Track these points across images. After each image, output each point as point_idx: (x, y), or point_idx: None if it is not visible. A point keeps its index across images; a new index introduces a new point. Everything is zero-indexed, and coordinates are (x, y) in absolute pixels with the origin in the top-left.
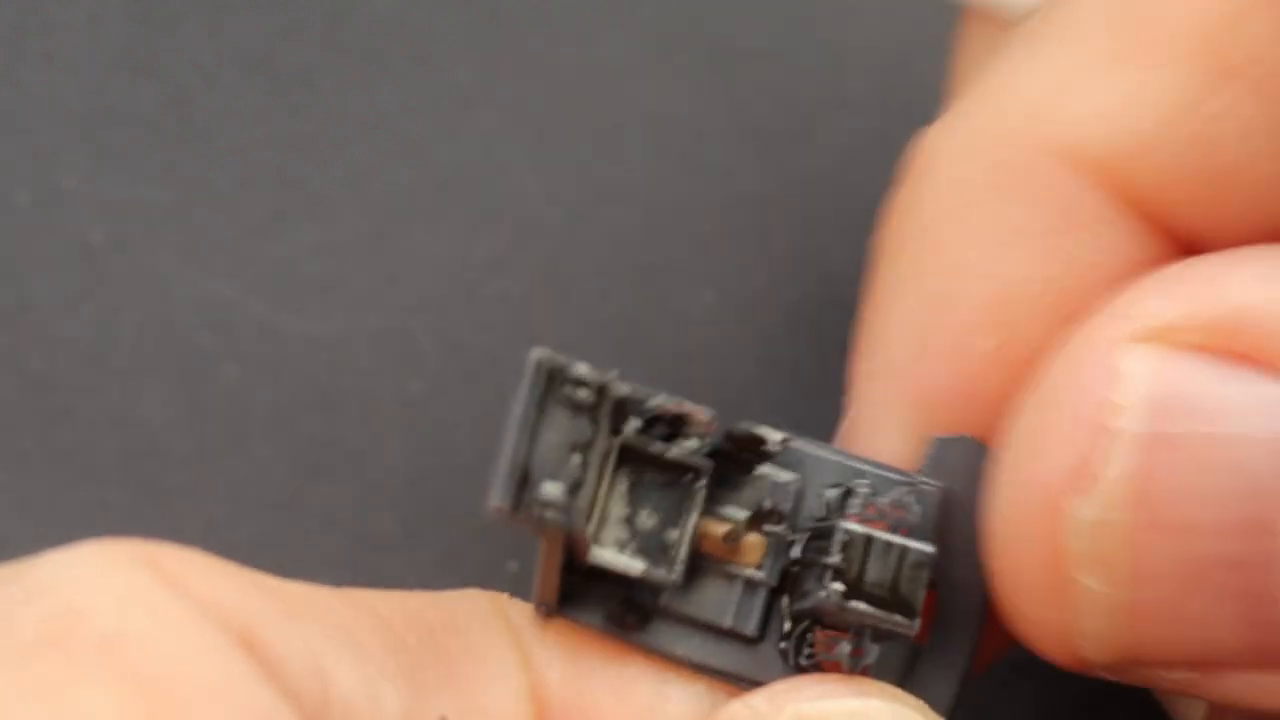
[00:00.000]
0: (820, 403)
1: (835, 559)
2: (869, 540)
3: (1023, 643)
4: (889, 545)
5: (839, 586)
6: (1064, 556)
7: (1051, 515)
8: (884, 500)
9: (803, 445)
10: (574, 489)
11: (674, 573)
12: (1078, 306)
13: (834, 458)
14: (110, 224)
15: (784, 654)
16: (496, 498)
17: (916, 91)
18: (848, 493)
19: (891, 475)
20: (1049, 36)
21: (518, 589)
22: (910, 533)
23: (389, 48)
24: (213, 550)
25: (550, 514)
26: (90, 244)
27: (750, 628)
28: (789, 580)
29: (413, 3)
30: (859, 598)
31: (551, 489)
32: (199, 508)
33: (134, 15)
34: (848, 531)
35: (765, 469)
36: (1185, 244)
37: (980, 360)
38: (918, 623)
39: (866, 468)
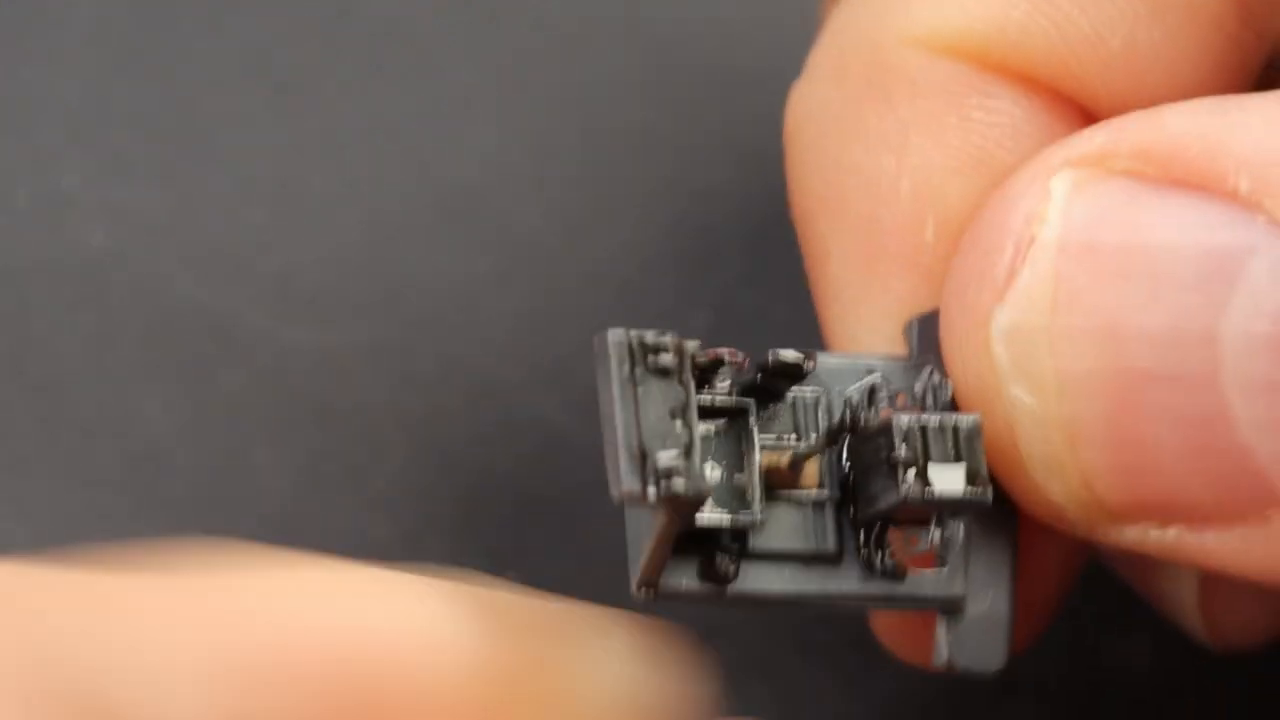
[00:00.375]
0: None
1: (902, 453)
2: (924, 428)
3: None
4: (941, 426)
5: (915, 478)
6: (994, 367)
7: (981, 325)
8: (916, 386)
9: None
10: (688, 454)
11: (756, 515)
12: (1005, 172)
13: (843, 361)
14: (110, 228)
15: (866, 562)
16: (626, 483)
17: None
18: (872, 390)
19: (898, 364)
20: None
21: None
22: (947, 409)
23: (390, 58)
24: None
25: (679, 484)
26: (90, 248)
27: (830, 545)
28: (849, 490)
29: (414, 13)
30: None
31: (672, 459)
32: (198, 516)
33: (135, 19)
34: (904, 424)
35: (793, 390)
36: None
37: (927, 250)
38: (990, 487)
39: (875, 362)
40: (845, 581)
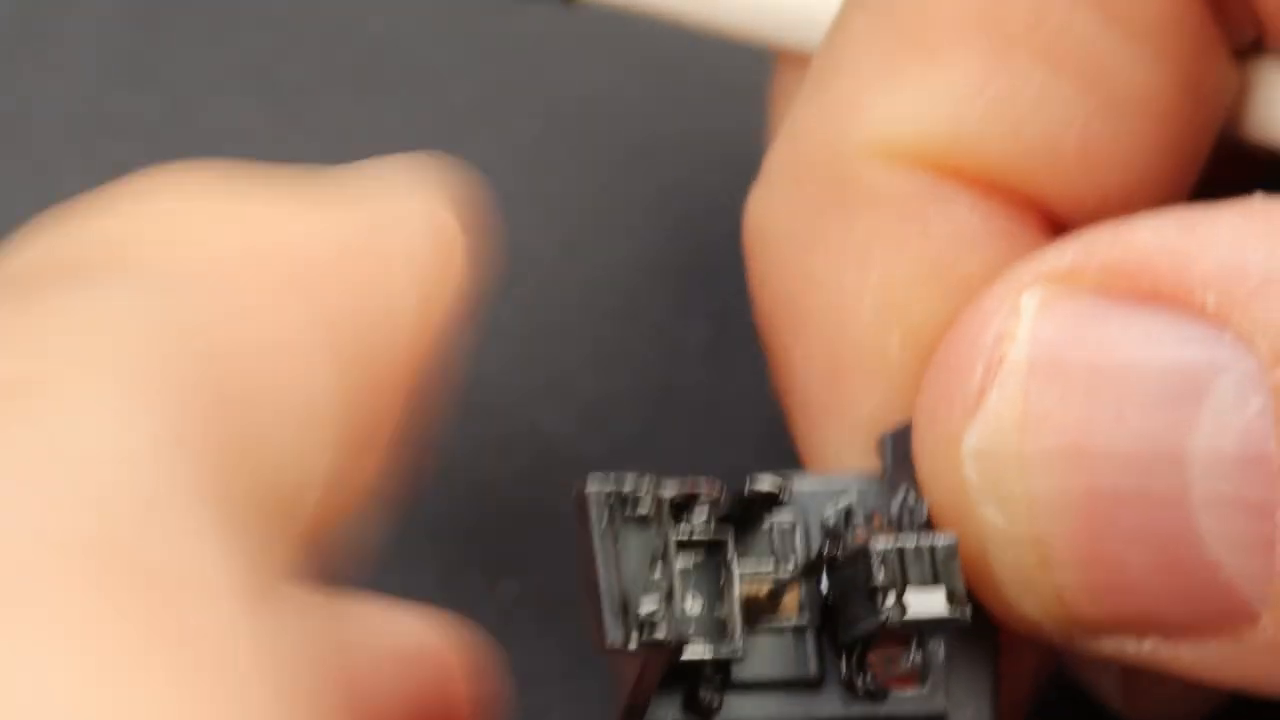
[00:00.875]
0: None
1: (880, 579)
2: (901, 550)
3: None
4: (918, 548)
5: (894, 603)
6: (964, 487)
7: (952, 444)
8: (892, 506)
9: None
10: (669, 599)
11: (738, 647)
12: (968, 281)
13: (818, 484)
14: None
15: (848, 684)
16: (611, 637)
17: None
18: (848, 513)
19: (874, 483)
20: (833, 64)
21: (517, 608)
22: (923, 529)
23: (388, 71)
24: None
25: (662, 632)
26: None
27: (811, 671)
28: (829, 614)
29: (412, 28)
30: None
31: (654, 606)
32: None
33: (135, 30)
34: (880, 549)
35: (770, 516)
36: (1062, 226)
37: (893, 363)
38: (969, 606)
39: (849, 482)
40: (828, 705)
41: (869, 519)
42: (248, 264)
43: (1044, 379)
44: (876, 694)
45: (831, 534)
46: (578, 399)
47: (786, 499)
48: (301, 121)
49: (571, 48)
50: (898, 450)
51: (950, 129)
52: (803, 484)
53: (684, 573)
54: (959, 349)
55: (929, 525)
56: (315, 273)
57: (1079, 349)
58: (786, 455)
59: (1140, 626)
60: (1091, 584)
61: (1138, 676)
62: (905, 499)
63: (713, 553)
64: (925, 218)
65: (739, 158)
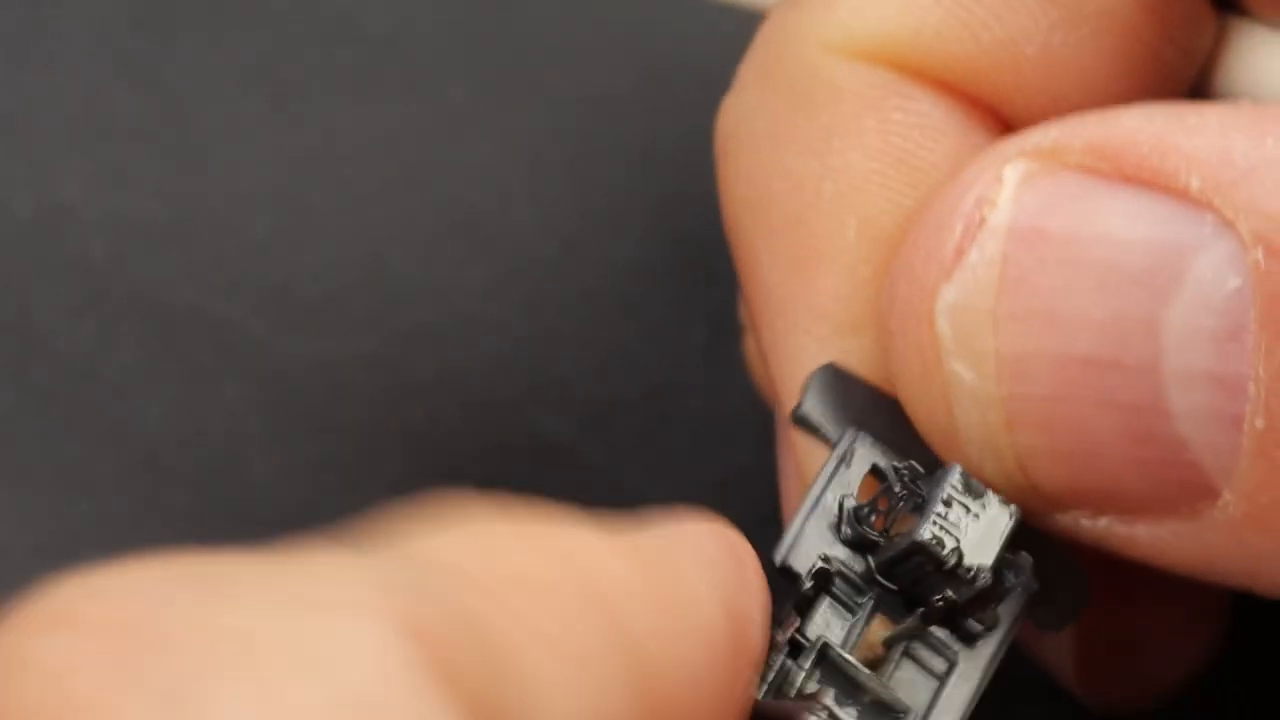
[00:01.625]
0: None
1: (950, 558)
2: (943, 524)
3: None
4: (965, 511)
5: (977, 568)
6: (936, 342)
7: (926, 300)
8: (894, 492)
9: (798, 536)
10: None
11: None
12: (925, 172)
13: (810, 524)
14: (110, 238)
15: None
16: None
17: None
18: (856, 514)
19: (840, 469)
20: None
21: None
22: (927, 483)
23: (388, 71)
24: None
25: None
26: (90, 258)
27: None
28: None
29: (412, 27)
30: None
31: None
32: (197, 526)
33: (135, 30)
34: (933, 535)
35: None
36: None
37: (850, 249)
38: (1010, 504)
39: (818, 489)
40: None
41: (874, 506)
42: (551, 580)
43: (1023, 244)
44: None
45: (858, 544)
46: (578, 401)
47: (830, 566)
48: (301, 121)
49: (572, 48)
50: (825, 388)
51: (912, 29)
52: (805, 528)
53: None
54: (939, 210)
55: (927, 474)
56: (618, 593)
57: (1060, 219)
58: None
59: (1098, 501)
60: (1054, 449)
61: (1091, 655)
62: (899, 471)
63: (824, 660)
64: (884, 110)
65: None
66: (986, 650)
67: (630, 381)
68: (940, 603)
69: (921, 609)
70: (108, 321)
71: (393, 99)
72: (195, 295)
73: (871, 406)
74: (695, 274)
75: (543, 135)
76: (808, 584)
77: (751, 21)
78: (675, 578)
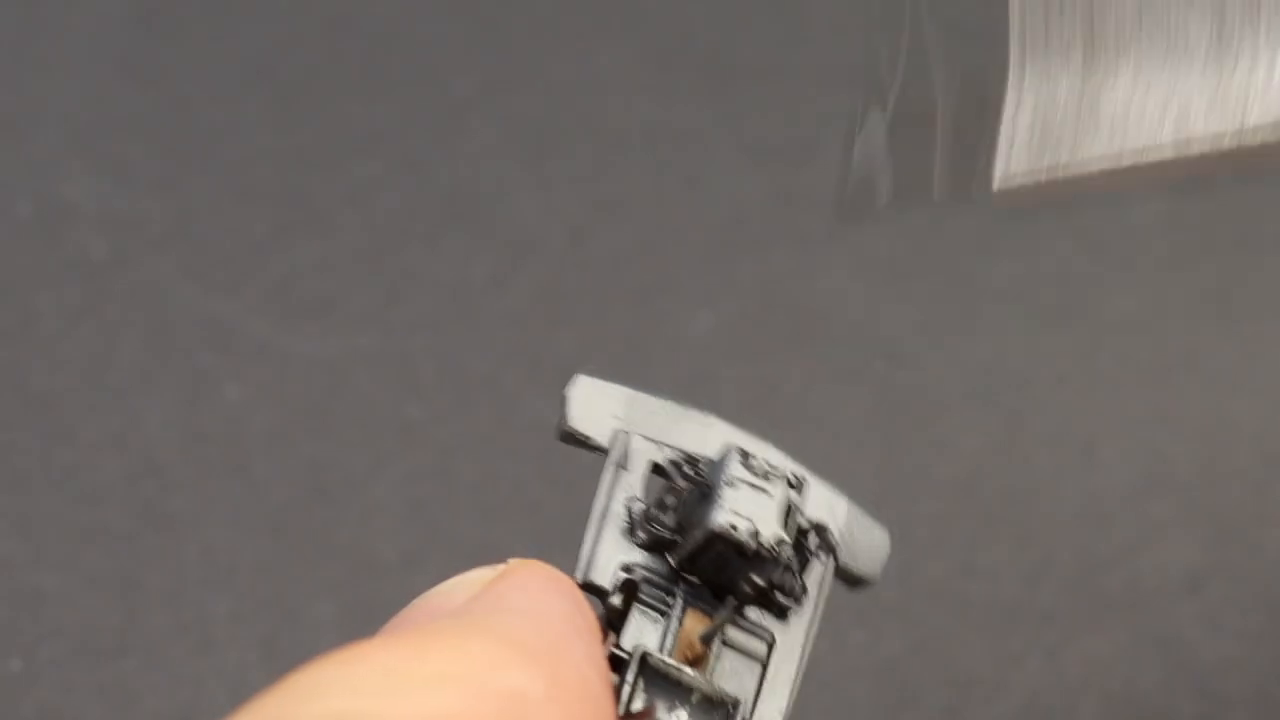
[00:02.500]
0: (814, 424)
1: (748, 541)
2: (734, 510)
3: None
4: (752, 488)
5: (779, 543)
6: None
7: None
8: (677, 485)
9: (594, 550)
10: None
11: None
12: None
13: (603, 535)
14: (111, 237)
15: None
16: None
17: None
18: (646, 514)
19: (618, 476)
20: None
21: None
22: (699, 477)
23: (390, 63)
24: (213, 574)
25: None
26: (91, 257)
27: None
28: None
29: (413, 19)
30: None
31: None
32: (198, 531)
33: (136, 29)
34: (726, 521)
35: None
36: None
37: None
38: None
39: (603, 499)
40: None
41: (662, 503)
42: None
43: None
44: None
45: (655, 545)
46: None
47: (634, 575)
48: (302, 116)
49: (573, 36)
50: (586, 403)
51: None
52: (594, 548)
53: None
54: None
55: (705, 461)
56: (536, 712)
57: None
58: (790, 447)
59: None
60: None
61: None
62: (676, 464)
63: (643, 665)
64: None
65: (744, 144)
66: (801, 622)
67: (634, 369)
68: (750, 589)
69: (732, 597)
70: (107, 322)
71: (397, 89)
72: (195, 294)
73: (632, 406)
74: (699, 259)
75: (545, 121)
76: (615, 597)
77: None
78: (570, 670)
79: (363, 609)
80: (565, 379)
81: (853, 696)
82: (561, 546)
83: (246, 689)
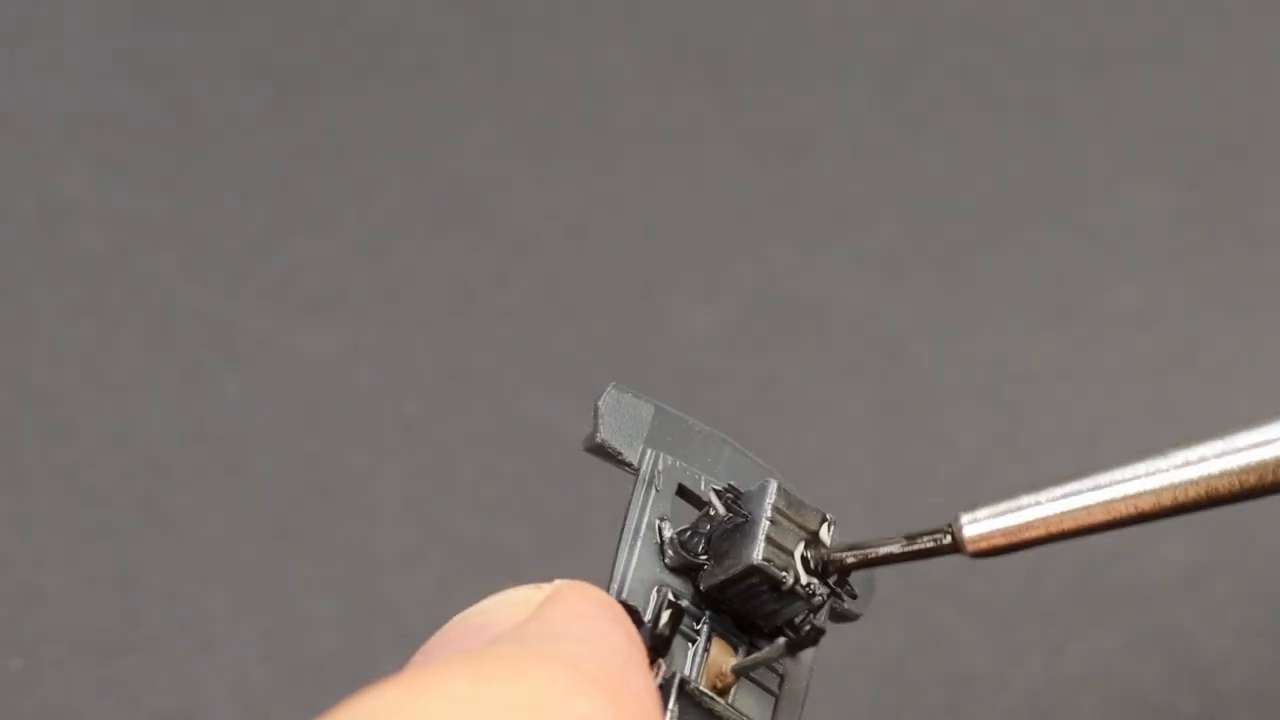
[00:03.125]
0: (814, 420)
1: (785, 577)
2: (774, 543)
3: None
4: (784, 527)
5: (812, 584)
6: None
7: None
8: (718, 514)
9: (627, 569)
10: None
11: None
12: None
13: (636, 554)
14: (111, 234)
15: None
16: None
17: (915, 104)
18: (678, 542)
19: (645, 510)
20: None
21: None
22: (736, 497)
23: (389, 60)
24: (213, 572)
25: None
26: (91, 254)
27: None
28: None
29: (412, 15)
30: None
31: None
32: (199, 529)
33: (134, 24)
34: (766, 557)
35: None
36: None
37: None
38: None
39: (635, 517)
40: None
41: (696, 529)
42: None
43: None
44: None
45: (684, 569)
46: (581, 385)
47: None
48: (302, 113)
49: (573, 32)
50: (617, 417)
51: None
52: (625, 565)
53: None
54: None
55: (745, 491)
56: None
57: None
58: (791, 444)
59: None
60: None
61: None
62: (722, 495)
63: (680, 692)
64: None
65: (743, 139)
66: (807, 657)
67: (636, 364)
68: (786, 627)
69: (783, 638)
70: (108, 319)
71: (396, 85)
72: (195, 290)
73: (662, 423)
74: (699, 254)
75: (545, 117)
76: (663, 622)
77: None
78: (629, 698)
79: (363, 607)
80: (566, 375)
81: (854, 693)
82: (562, 544)
83: (247, 687)
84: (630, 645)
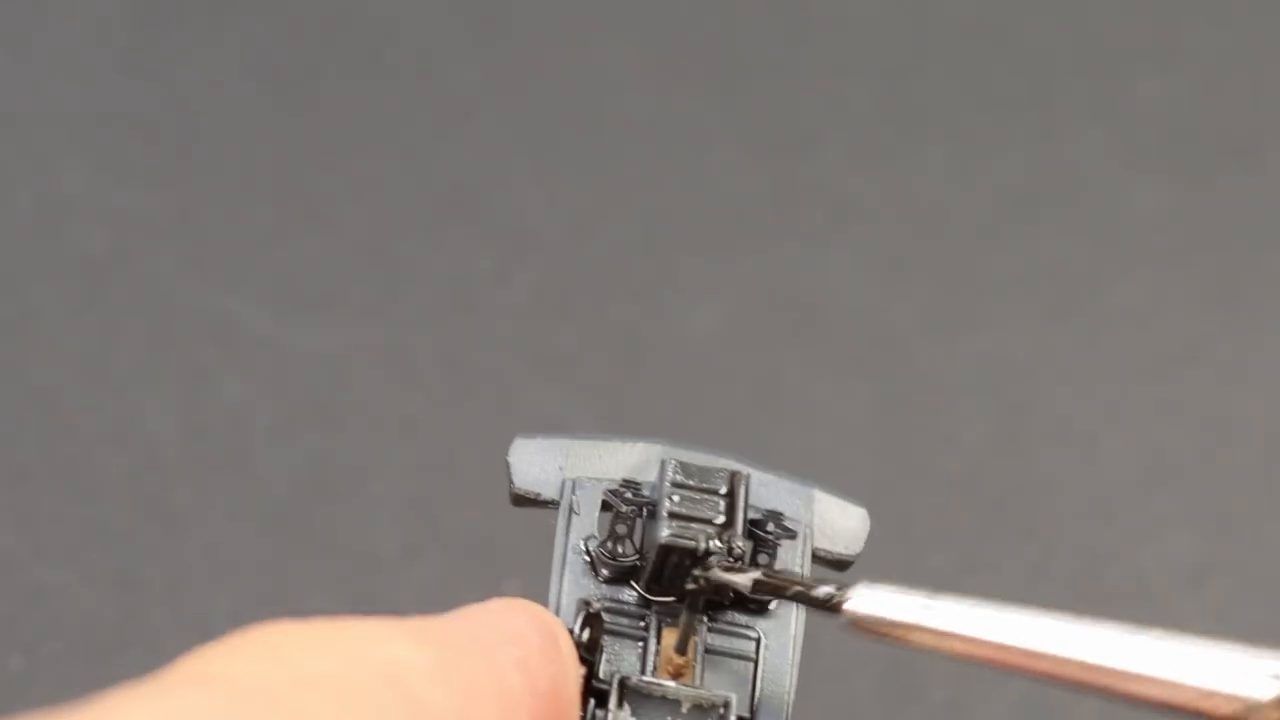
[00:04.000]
0: (816, 417)
1: (700, 543)
2: (685, 515)
3: None
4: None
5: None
6: None
7: None
8: (624, 513)
9: (559, 595)
10: None
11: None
12: None
13: (565, 580)
14: (112, 232)
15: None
16: None
17: (916, 102)
18: (603, 550)
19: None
20: None
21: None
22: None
23: (390, 58)
24: (212, 569)
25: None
26: (91, 252)
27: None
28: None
29: (413, 13)
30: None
31: None
32: (199, 526)
33: (135, 23)
34: (671, 531)
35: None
36: None
37: None
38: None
39: (560, 547)
40: None
41: (614, 535)
42: (346, 678)
43: None
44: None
45: (621, 575)
46: (583, 383)
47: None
48: (304, 111)
49: (574, 30)
50: (528, 462)
51: None
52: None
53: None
54: None
55: (634, 487)
56: (417, 681)
57: None
58: (792, 440)
59: None
60: None
61: None
62: (617, 493)
63: (623, 690)
64: None
65: (746, 137)
66: (788, 611)
67: (637, 363)
68: (702, 584)
69: (690, 597)
70: (108, 317)
71: (397, 83)
72: (196, 288)
73: (573, 453)
74: (701, 253)
75: (546, 115)
76: (580, 631)
77: None
78: (477, 658)
79: (364, 603)
80: (568, 373)
81: (855, 691)
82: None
83: None
84: (529, 635)
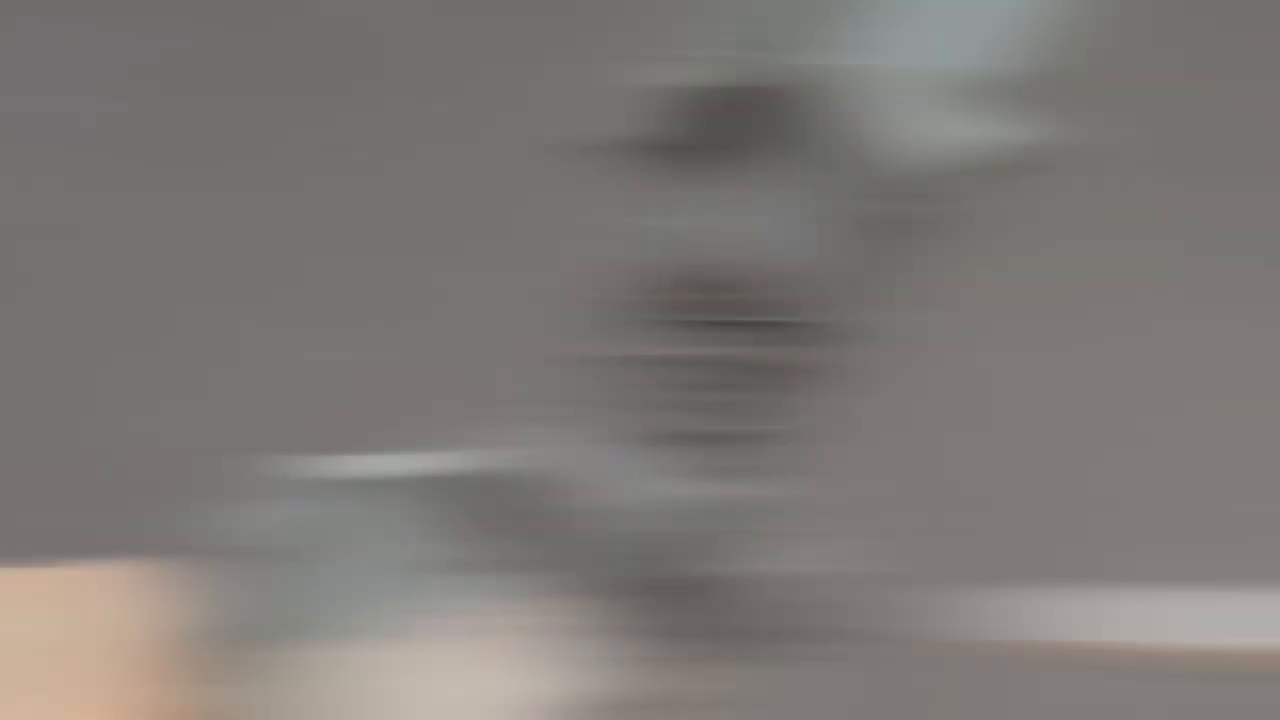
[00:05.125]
0: (815, 424)
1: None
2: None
3: None
4: None
5: None
6: None
7: None
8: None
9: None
10: None
11: None
12: None
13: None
14: (112, 238)
15: None
16: None
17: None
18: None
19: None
20: None
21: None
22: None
23: (397, 70)
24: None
25: None
26: (92, 254)
27: None
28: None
29: (417, 21)
30: None
31: None
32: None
33: (135, 26)
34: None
35: None
36: None
37: None
38: None
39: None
40: None
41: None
42: None
43: None
44: None
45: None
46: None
47: None
48: (303, 119)
49: (574, 36)
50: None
51: None
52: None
53: None
54: None
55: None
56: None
57: None
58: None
59: None
60: None
61: None
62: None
63: None
64: None
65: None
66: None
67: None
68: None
69: None
70: (109, 318)
71: (395, 94)
72: (196, 290)
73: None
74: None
75: (547, 119)
76: None
77: None
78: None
79: None
80: (569, 380)
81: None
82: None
83: None
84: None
